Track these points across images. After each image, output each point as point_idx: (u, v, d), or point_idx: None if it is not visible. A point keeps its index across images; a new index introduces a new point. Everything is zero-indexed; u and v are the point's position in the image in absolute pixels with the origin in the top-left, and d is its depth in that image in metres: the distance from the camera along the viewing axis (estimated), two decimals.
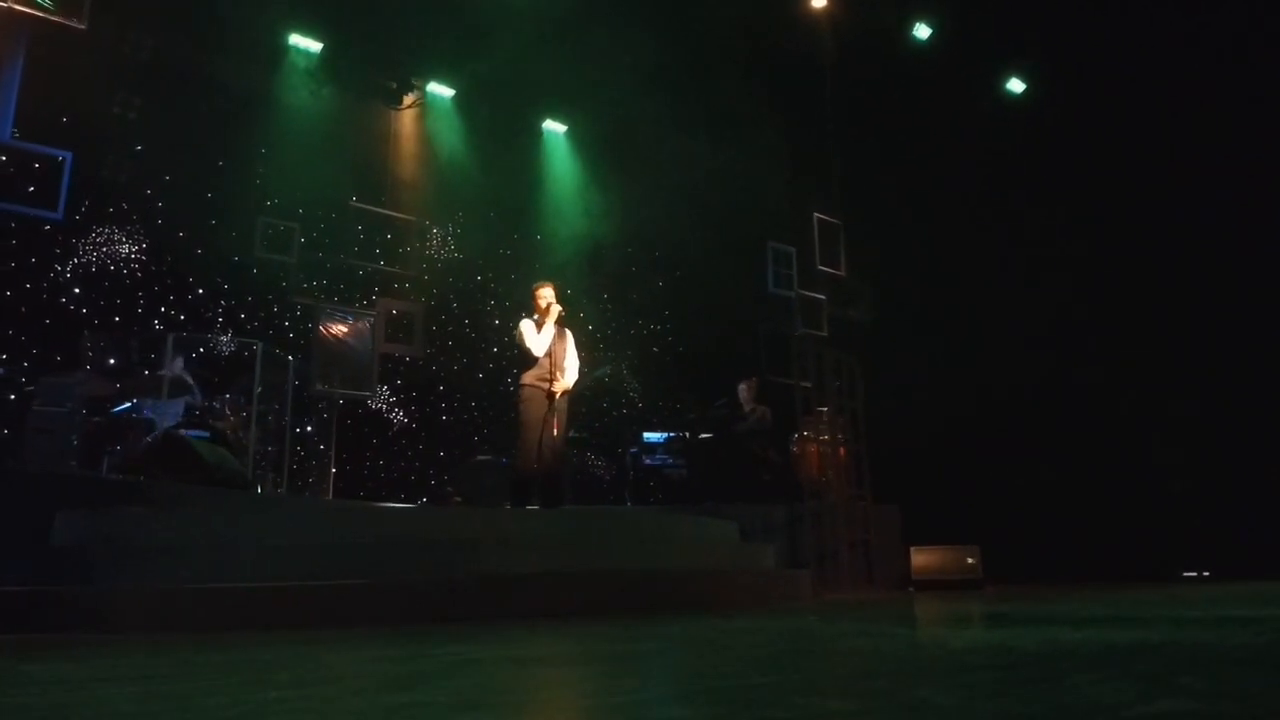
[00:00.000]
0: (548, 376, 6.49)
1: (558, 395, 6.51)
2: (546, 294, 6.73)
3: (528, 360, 6.56)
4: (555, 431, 6.46)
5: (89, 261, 9.55)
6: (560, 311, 6.63)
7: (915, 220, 9.89)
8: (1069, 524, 8.74)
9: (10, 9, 5.63)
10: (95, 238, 9.63)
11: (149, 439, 6.32)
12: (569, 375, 6.70)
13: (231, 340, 9.46)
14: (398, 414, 11.31)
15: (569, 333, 6.91)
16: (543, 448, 6.42)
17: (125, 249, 9.81)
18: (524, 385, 6.56)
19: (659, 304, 11.49)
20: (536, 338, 6.56)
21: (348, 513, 6.50)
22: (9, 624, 3.94)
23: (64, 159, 6.14)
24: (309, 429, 10.07)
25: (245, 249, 9.75)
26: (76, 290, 9.42)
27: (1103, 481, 8.87)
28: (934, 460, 9.06)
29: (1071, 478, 8.92)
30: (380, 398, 11.24)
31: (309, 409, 9.83)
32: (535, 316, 6.69)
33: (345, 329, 9.91)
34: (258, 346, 7.86)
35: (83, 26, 5.91)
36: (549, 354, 6.53)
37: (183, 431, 6.86)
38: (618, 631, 3.74)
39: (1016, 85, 10.32)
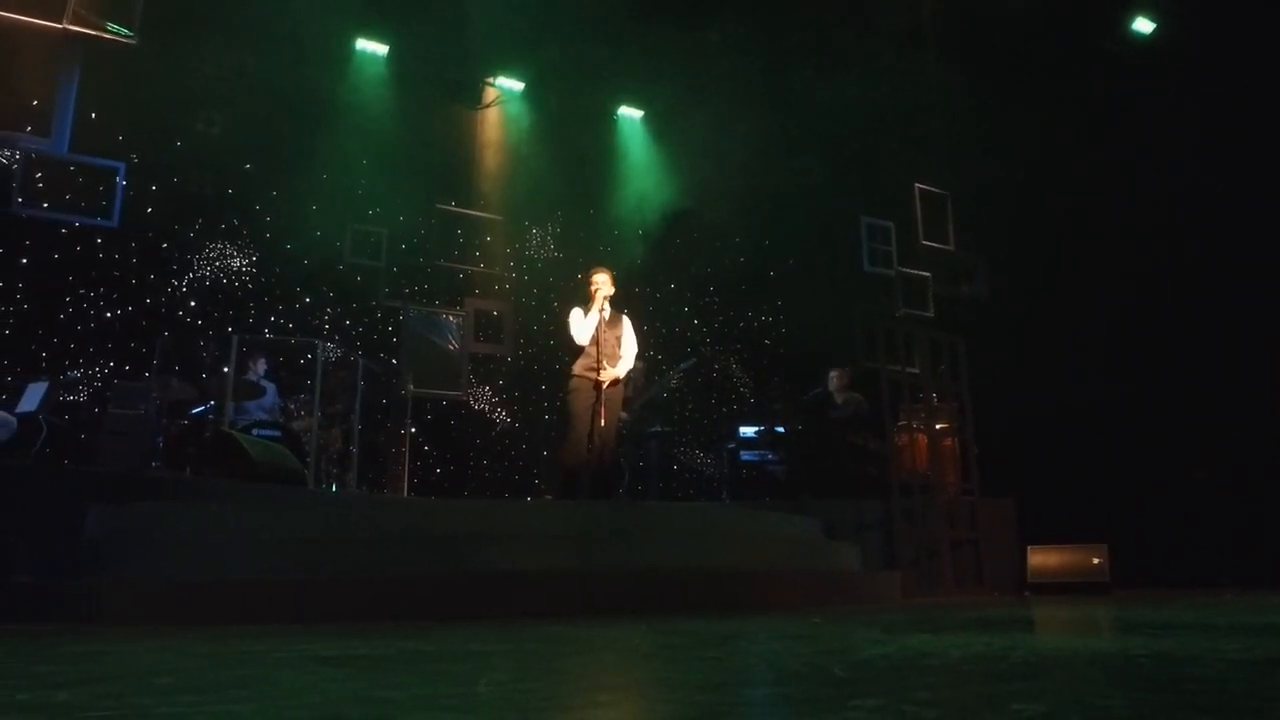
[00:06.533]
0: (595, 366, 6.18)
1: (605, 385, 6.19)
2: (596, 280, 6.43)
3: (574, 349, 6.29)
4: (603, 422, 6.14)
5: (203, 275, 10.10)
6: (606, 298, 6.31)
7: (1033, 185, 8.90)
8: (1215, 521, 7.55)
9: (65, 30, 5.91)
10: (209, 252, 10.18)
11: (206, 437, 6.49)
12: (622, 365, 6.37)
13: (336, 348, 9.73)
14: (499, 414, 11.33)
15: (626, 320, 6.58)
16: (592, 439, 6.12)
17: (236, 262, 10.32)
18: (572, 375, 6.30)
19: (751, 291, 10.96)
20: (581, 325, 6.27)
21: (385, 508, 6.45)
22: (15, 615, 4.02)
23: (118, 169, 6.39)
24: (412, 430, 10.22)
25: (345, 257, 10.07)
26: (192, 303, 9.98)
27: (1262, 471, 7.60)
28: (1055, 450, 8.07)
29: (1221, 467, 7.69)
30: (483, 398, 11.32)
31: (405, 410, 9.97)
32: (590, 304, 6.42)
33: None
34: (319, 347, 7.98)
35: (134, 42, 6.11)
36: (596, 343, 6.22)
37: (255, 432, 7.02)
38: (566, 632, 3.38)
39: (1144, 25, 9.06)
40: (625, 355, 6.47)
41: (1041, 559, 7.55)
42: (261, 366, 7.98)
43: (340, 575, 4.45)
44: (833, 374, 8.44)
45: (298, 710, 1.54)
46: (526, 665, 2.30)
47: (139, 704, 1.62)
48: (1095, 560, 7.32)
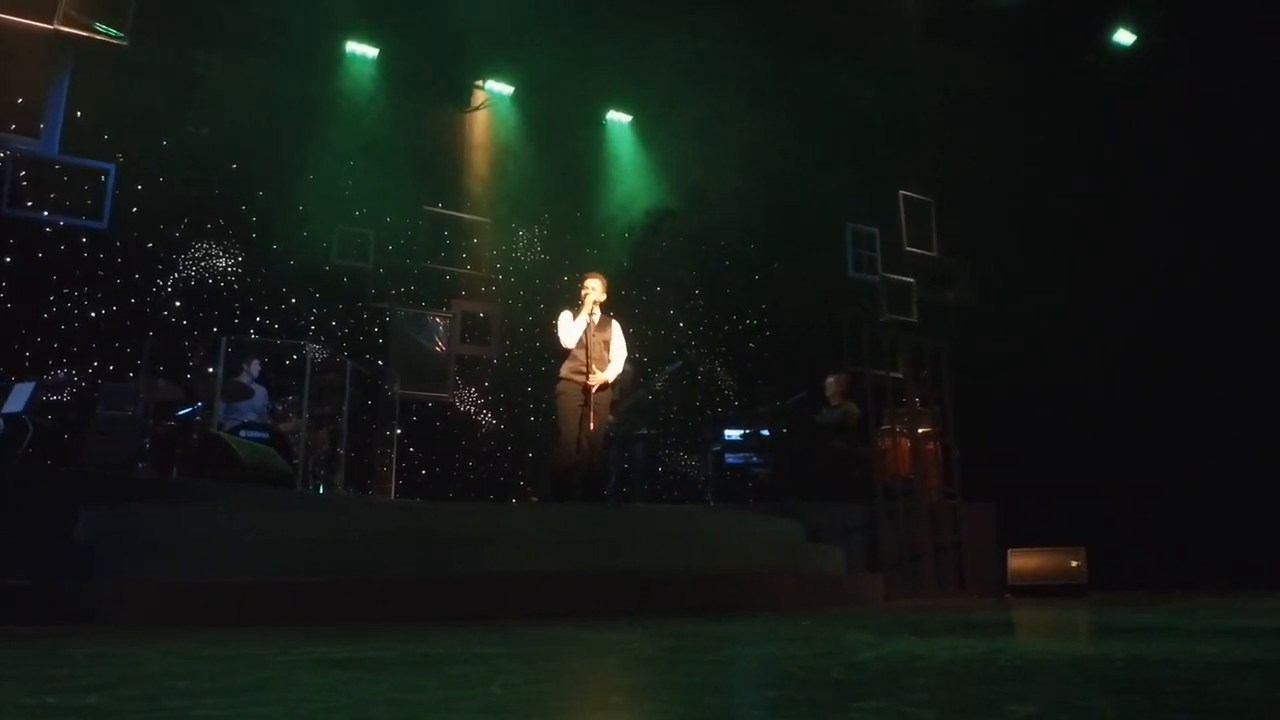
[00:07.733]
0: (582, 370, 6.25)
1: (593, 389, 6.26)
2: (588, 285, 6.49)
3: (562, 352, 6.37)
4: (592, 425, 6.21)
5: (189, 275, 10.05)
6: (595, 302, 6.38)
7: (1017, 191, 9.06)
8: (1192, 525, 7.73)
9: (56, 31, 5.91)
10: (194, 253, 10.13)
11: (195, 439, 6.50)
12: (610, 369, 6.44)
13: (323, 349, 9.73)
14: (485, 415, 11.37)
15: (615, 325, 6.65)
16: (581, 441, 6.20)
17: (223, 263, 10.28)
18: (560, 379, 6.36)
19: (736, 295, 11.07)
20: (569, 328, 6.34)
21: (376, 509, 6.49)
22: (10, 617, 4.04)
23: (108, 170, 6.39)
24: (398, 431, 10.24)
25: (332, 259, 10.07)
26: (178, 304, 9.93)
27: (1238, 477, 7.79)
28: (1035, 455, 8.23)
29: (1197, 473, 7.86)
30: (469, 399, 11.35)
31: (391, 411, 9.99)
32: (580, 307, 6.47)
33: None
34: (307, 349, 8.00)
35: (125, 43, 6.12)
36: (583, 346, 6.28)
37: (242, 434, 7.04)
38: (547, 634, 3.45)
39: (1125, 37, 9.24)
40: (614, 360, 6.53)
41: (1021, 562, 7.69)
42: (255, 368, 8.00)
43: (332, 577, 4.49)
44: (830, 380, 8.50)
45: (327, 712, 1.61)
46: (535, 668, 2.37)
47: (171, 706, 1.68)
48: (1073, 563, 7.48)
